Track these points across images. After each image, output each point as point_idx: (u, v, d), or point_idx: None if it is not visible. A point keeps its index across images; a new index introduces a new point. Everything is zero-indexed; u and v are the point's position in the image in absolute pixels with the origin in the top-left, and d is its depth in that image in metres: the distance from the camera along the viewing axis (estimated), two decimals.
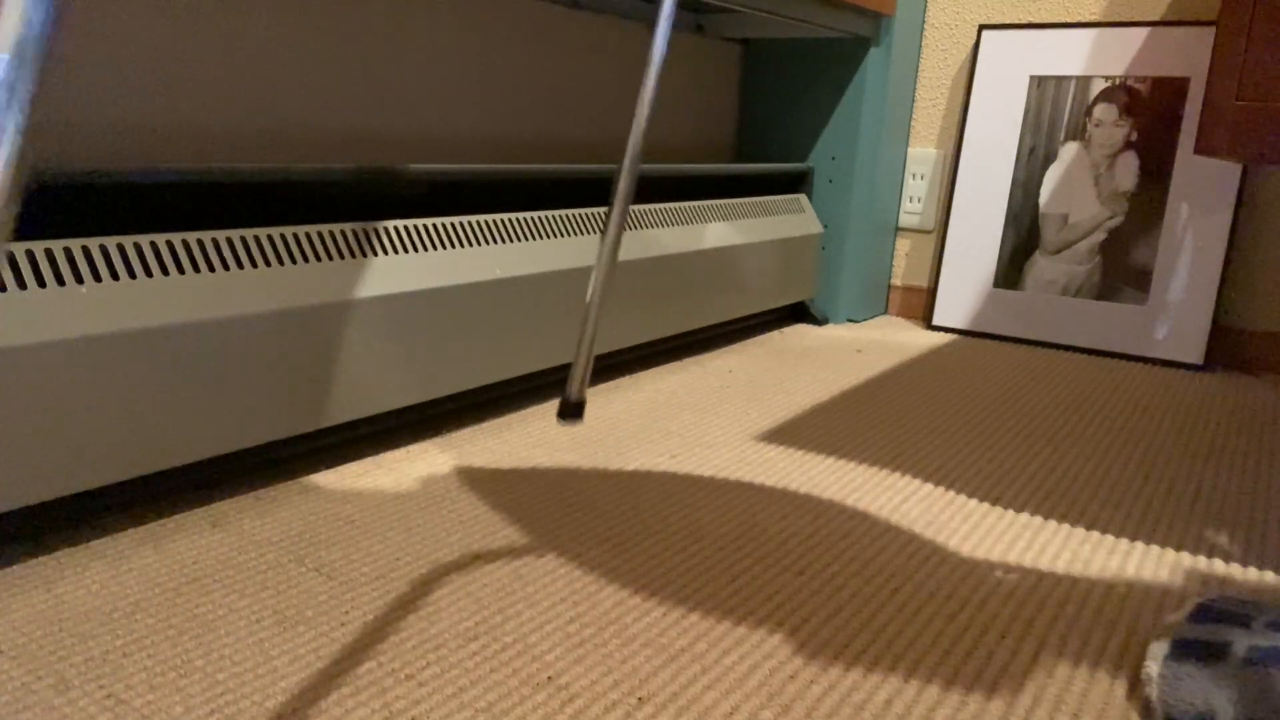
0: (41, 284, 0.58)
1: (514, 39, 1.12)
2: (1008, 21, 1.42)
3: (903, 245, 1.56)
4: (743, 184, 1.34)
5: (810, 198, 1.45)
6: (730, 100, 1.52)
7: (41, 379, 0.58)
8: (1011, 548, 0.69)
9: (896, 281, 1.58)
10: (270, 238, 0.71)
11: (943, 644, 0.56)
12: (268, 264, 0.70)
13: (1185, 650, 0.45)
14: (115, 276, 0.62)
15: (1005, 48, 1.42)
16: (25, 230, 0.60)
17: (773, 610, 0.59)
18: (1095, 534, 0.72)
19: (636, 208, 1.10)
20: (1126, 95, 1.34)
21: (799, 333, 1.40)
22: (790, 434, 0.92)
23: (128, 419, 0.62)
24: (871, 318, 1.55)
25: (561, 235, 0.97)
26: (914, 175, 1.52)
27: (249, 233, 0.70)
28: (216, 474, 0.73)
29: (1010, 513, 0.76)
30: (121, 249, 0.63)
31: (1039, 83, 1.40)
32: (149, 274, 0.63)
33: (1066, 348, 1.39)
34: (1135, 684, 0.53)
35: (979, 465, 0.86)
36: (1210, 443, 0.96)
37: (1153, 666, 0.46)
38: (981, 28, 1.43)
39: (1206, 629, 0.47)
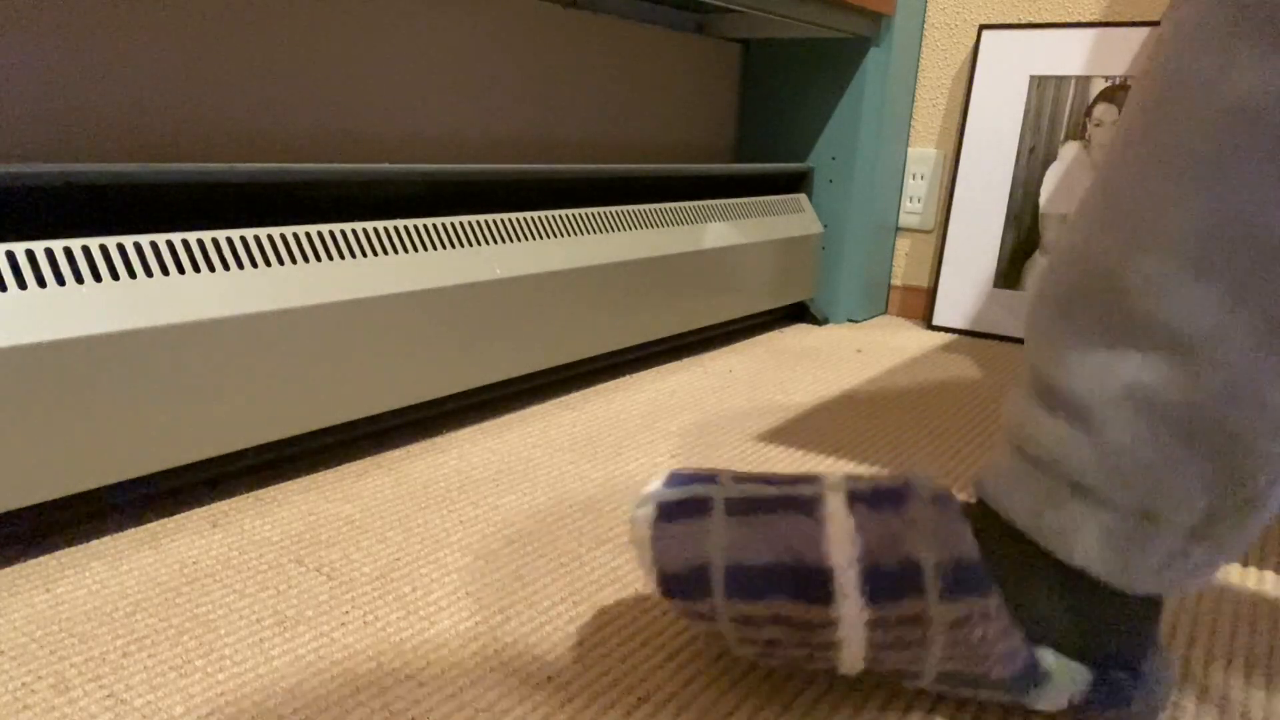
0: (41, 284, 0.58)
1: (514, 39, 1.12)
2: (1008, 21, 1.43)
3: (903, 245, 1.56)
4: (743, 184, 1.34)
5: (810, 198, 1.45)
6: (730, 100, 1.52)
7: (41, 379, 0.58)
8: None
9: (896, 281, 1.58)
10: (270, 238, 0.71)
11: None
12: (267, 264, 0.70)
13: (672, 512, 0.47)
14: (115, 276, 0.62)
15: (1005, 48, 1.42)
16: (26, 230, 0.60)
17: None
18: None
19: (637, 208, 1.10)
20: (1127, 95, 1.34)
21: (799, 333, 1.40)
22: (790, 434, 0.92)
23: (128, 419, 0.63)
24: (871, 318, 1.55)
25: (561, 235, 0.97)
26: (914, 175, 1.52)
27: (249, 233, 0.70)
28: (216, 474, 0.73)
29: None
30: (122, 249, 0.63)
31: (1039, 83, 1.40)
32: (149, 274, 0.63)
33: None
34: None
35: (979, 465, 0.86)
36: None
37: (644, 530, 0.47)
38: (981, 28, 1.43)
39: (684, 490, 0.49)
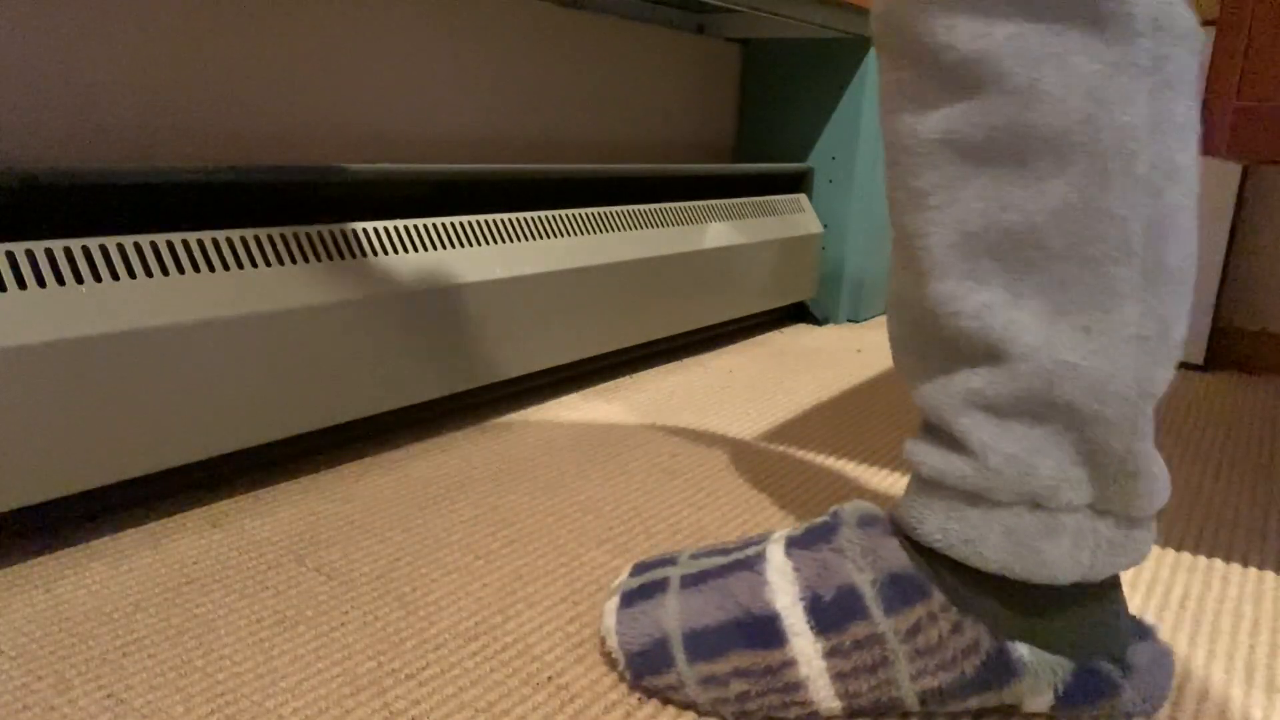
0: (41, 284, 0.58)
1: (514, 39, 1.12)
2: None
3: None
4: (743, 184, 1.34)
5: (810, 198, 1.45)
6: (730, 100, 1.52)
7: (41, 379, 0.58)
8: None
9: None
10: (270, 237, 0.71)
11: None
12: (268, 264, 0.70)
13: (632, 598, 0.51)
14: (115, 276, 0.62)
15: None
16: (25, 230, 0.60)
17: None
18: None
19: (638, 208, 1.10)
20: None
21: (799, 333, 1.40)
22: (790, 434, 0.92)
23: (128, 419, 0.62)
24: (871, 318, 1.55)
25: (561, 235, 0.97)
26: None
27: (249, 233, 0.70)
28: (216, 474, 0.73)
29: None
30: (121, 249, 0.63)
31: None
32: (149, 274, 0.63)
33: None
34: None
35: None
36: (1210, 443, 0.96)
37: (609, 620, 0.51)
38: None
39: (644, 576, 0.52)
